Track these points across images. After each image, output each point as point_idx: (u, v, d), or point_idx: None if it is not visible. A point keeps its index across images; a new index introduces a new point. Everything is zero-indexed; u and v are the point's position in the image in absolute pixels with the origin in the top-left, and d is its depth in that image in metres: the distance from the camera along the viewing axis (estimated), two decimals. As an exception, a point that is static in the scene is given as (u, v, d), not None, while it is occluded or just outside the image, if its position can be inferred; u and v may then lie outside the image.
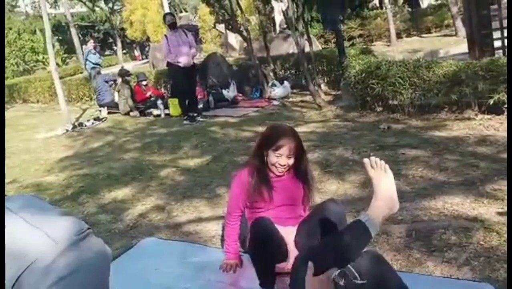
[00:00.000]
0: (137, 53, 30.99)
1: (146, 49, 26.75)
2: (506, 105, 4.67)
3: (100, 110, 9.34)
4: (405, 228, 2.84)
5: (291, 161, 2.42)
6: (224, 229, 2.70)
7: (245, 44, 11.30)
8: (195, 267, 2.73)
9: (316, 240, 2.27)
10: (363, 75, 6.16)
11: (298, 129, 6.07)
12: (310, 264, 1.69)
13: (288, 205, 2.52)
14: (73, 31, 22.58)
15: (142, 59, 27.45)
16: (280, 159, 2.39)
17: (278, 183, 2.49)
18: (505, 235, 2.61)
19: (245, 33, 9.04)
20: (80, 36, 26.82)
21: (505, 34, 6.40)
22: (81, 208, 4.03)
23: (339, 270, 1.75)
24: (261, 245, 2.26)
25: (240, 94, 8.86)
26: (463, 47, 8.63)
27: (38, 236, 0.75)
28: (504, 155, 3.81)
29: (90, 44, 12.20)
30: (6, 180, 5.17)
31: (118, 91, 9.19)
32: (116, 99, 9.32)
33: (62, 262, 0.74)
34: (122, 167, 5.18)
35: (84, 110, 10.32)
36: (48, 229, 0.77)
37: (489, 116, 4.85)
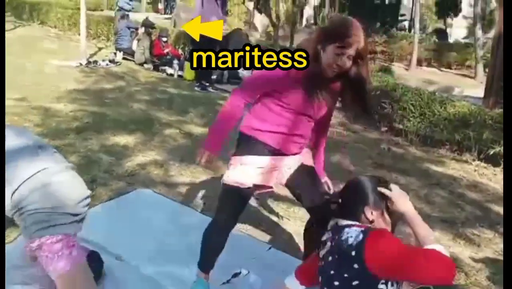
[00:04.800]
0: (160, 6, 30.62)
1: (172, 4, 26.45)
2: (503, 159, 4.84)
3: (115, 54, 9.36)
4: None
5: (349, 64, 1.99)
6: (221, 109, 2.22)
7: (268, 29, 11.33)
8: (183, 228, 2.87)
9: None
10: (378, 92, 6.29)
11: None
12: None
13: (313, 120, 2.17)
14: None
15: (165, 13, 27.18)
16: (341, 58, 1.96)
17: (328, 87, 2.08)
18: (473, 278, 2.80)
19: (274, 19, 9.09)
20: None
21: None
22: (84, 143, 4.14)
23: None
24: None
25: (255, 77, 8.90)
26: (478, 92, 8.79)
27: None
28: (491, 205, 3.99)
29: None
30: (17, 96, 5.25)
31: (138, 40, 9.21)
32: (134, 47, 9.34)
33: None
34: (129, 115, 5.28)
35: (100, 49, 10.32)
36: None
37: (485, 165, 5.01)
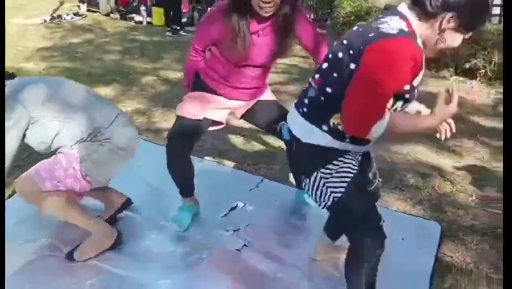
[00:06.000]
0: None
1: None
2: (479, 71, 4.93)
3: (79, 6, 8.99)
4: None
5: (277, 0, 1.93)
6: (185, 62, 2.36)
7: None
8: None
9: None
10: (352, 18, 6.22)
11: (279, 61, 6.15)
12: None
13: (258, 66, 2.21)
14: None
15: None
16: None
17: (262, 35, 2.10)
18: (459, 186, 2.94)
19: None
20: None
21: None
22: (62, 100, 4.07)
23: None
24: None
25: (225, 16, 8.70)
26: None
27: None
28: (469, 116, 4.10)
29: None
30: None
31: (101, -11, 8.82)
32: (97, -3, 8.96)
33: None
34: (103, 67, 5.17)
35: (62, 3, 9.89)
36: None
37: (462, 79, 5.09)
